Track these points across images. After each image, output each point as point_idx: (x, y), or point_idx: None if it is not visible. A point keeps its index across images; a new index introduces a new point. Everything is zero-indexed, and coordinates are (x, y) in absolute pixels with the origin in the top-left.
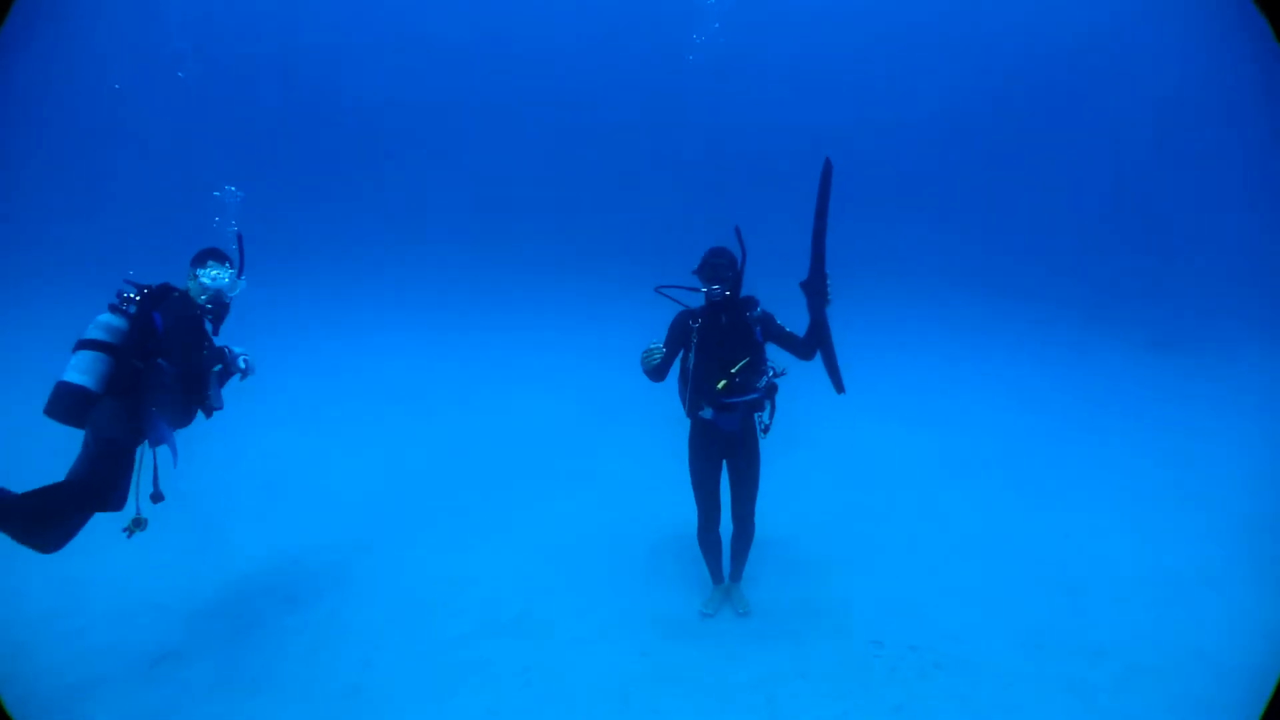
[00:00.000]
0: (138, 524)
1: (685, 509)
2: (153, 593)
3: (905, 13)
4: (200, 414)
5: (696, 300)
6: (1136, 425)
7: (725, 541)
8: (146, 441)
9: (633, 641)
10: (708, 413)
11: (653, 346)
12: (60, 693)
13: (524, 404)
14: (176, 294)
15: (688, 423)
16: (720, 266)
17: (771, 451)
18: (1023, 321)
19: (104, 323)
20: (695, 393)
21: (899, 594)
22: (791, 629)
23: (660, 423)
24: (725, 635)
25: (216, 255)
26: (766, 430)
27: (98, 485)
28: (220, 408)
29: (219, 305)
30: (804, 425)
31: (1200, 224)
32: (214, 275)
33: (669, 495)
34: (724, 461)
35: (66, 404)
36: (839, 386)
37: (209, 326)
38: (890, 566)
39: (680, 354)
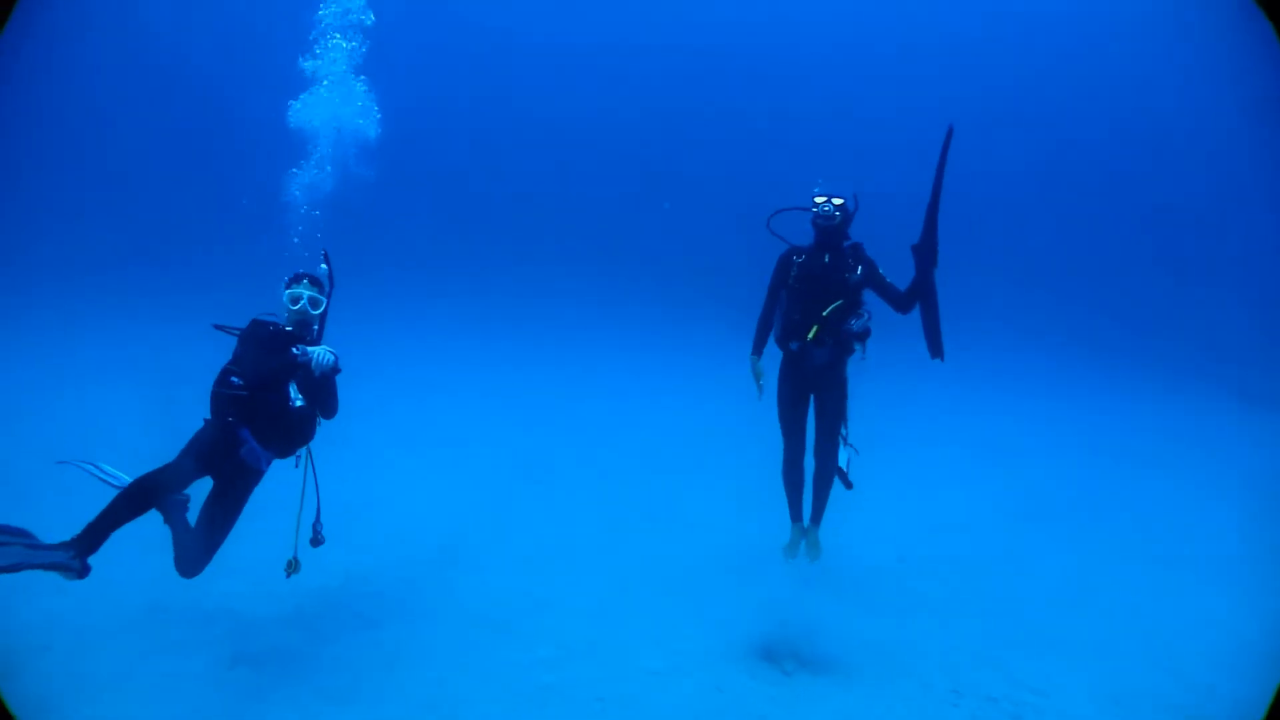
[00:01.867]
0: (292, 566)
1: (764, 537)
2: (231, 598)
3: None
4: (320, 420)
5: (805, 239)
6: (1229, 480)
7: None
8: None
9: (709, 675)
10: (796, 345)
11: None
12: (141, 682)
13: (601, 430)
14: (256, 322)
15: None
16: (833, 195)
17: (851, 491)
18: (1110, 371)
19: None
20: (786, 326)
21: (978, 640)
22: (869, 672)
23: (740, 448)
24: (803, 674)
25: (298, 277)
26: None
27: (164, 470)
28: (301, 405)
29: (303, 325)
30: (883, 464)
31: None
32: (292, 295)
33: (749, 525)
34: (811, 397)
35: None
36: (937, 351)
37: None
38: (969, 611)
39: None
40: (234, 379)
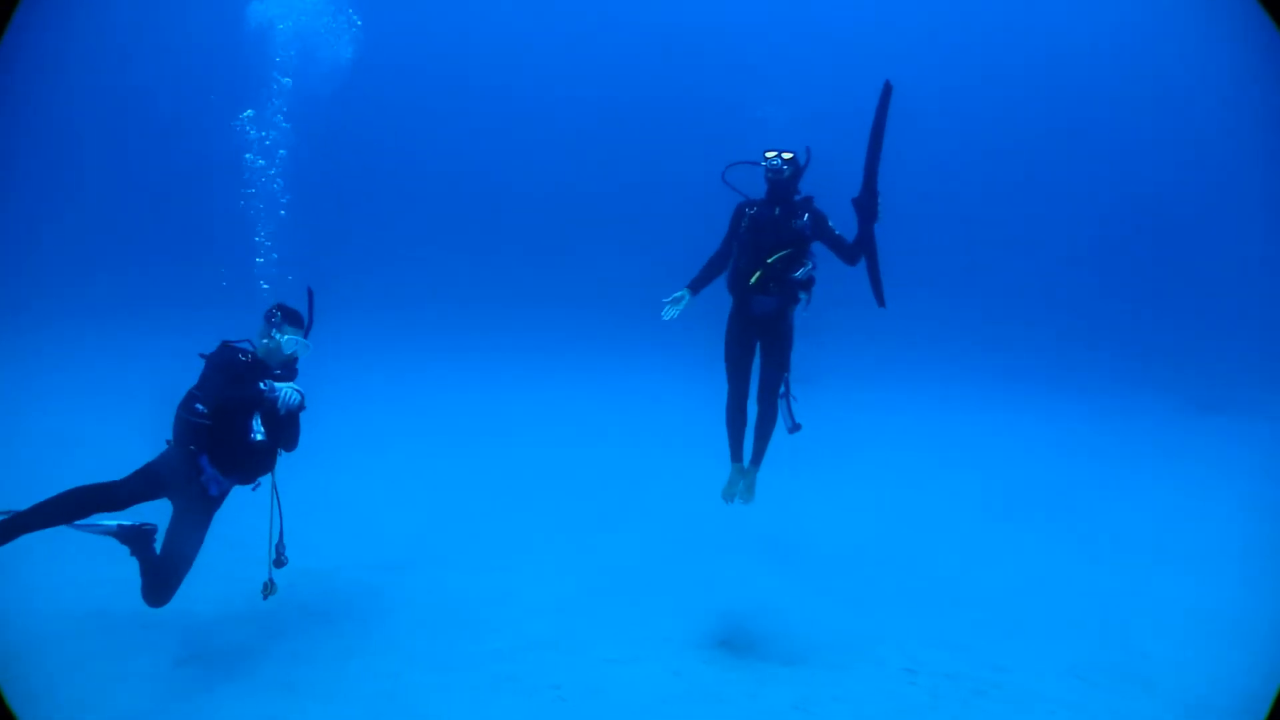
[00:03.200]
0: (268, 588)
1: (722, 533)
2: (180, 599)
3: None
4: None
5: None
6: (1188, 477)
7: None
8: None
9: (667, 662)
10: (739, 290)
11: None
12: (83, 685)
13: (563, 431)
14: (226, 347)
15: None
16: (783, 150)
17: (811, 478)
18: (1074, 373)
19: None
20: (734, 274)
21: (937, 625)
22: (826, 656)
23: (700, 450)
24: (760, 659)
25: (285, 319)
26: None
27: (106, 485)
28: (260, 440)
29: (286, 365)
30: (844, 457)
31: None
32: (285, 341)
33: (706, 521)
34: (757, 344)
35: None
36: (880, 299)
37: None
38: (928, 599)
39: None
40: (198, 405)
